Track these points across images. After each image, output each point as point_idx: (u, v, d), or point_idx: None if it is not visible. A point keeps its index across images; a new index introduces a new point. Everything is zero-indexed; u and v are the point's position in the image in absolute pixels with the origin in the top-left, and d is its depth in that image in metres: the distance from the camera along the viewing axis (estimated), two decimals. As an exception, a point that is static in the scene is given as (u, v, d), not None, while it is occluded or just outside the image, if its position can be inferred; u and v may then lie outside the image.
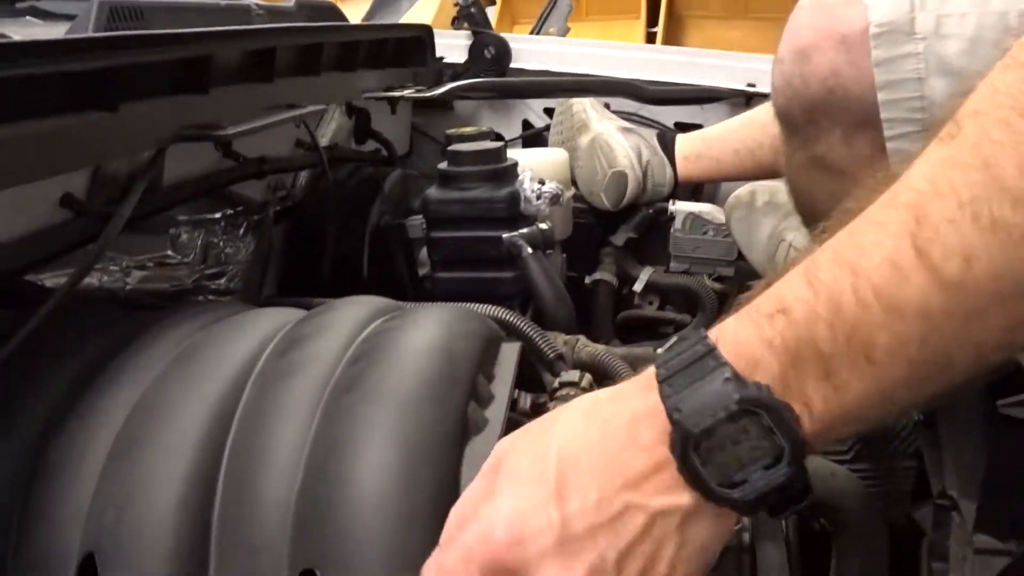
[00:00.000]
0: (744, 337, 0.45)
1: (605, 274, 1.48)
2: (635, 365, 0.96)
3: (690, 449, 0.44)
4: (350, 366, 0.65)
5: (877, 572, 0.92)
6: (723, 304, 1.47)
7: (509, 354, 0.75)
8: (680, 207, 1.44)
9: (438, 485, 0.57)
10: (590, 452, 0.47)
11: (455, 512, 0.52)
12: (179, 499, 0.58)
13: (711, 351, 0.46)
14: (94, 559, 0.57)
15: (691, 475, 0.45)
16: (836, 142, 0.81)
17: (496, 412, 0.65)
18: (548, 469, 0.48)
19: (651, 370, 0.48)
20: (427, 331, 0.67)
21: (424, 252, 1.29)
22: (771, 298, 0.46)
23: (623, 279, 1.51)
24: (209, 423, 0.62)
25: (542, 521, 0.46)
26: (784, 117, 0.87)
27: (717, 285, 1.45)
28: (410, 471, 0.56)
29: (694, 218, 1.42)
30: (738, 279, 1.47)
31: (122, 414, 0.64)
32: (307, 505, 0.57)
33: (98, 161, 0.77)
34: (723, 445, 0.44)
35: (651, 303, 1.51)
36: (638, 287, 1.49)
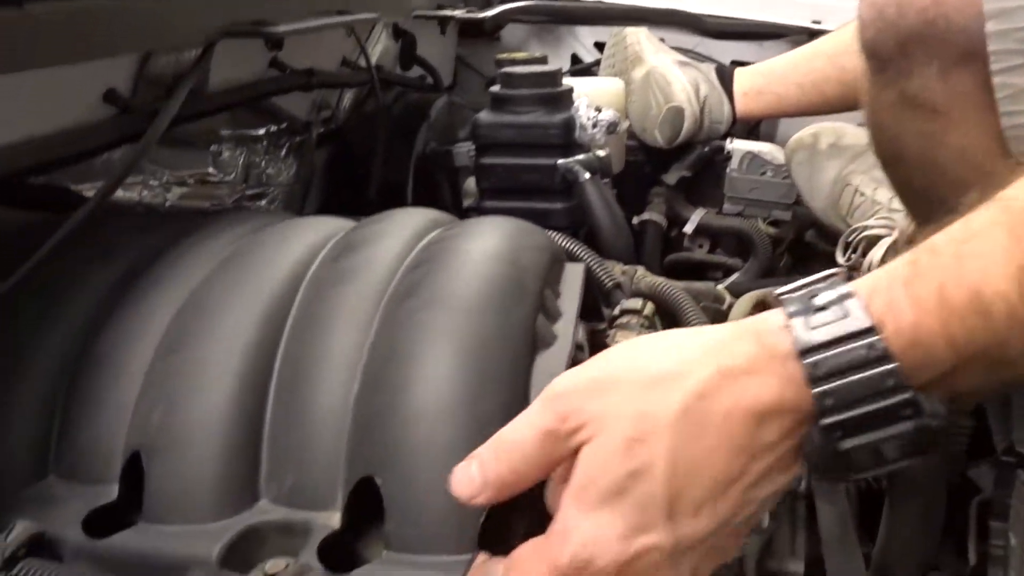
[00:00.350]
0: (925, 331, 0.42)
1: (654, 215, 1.42)
2: (697, 300, 0.91)
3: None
4: (410, 272, 0.61)
5: (932, 528, 0.88)
6: (776, 249, 1.41)
7: (574, 275, 0.70)
8: (738, 145, 1.37)
9: (505, 397, 0.53)
10: (702, 467, 0.43)
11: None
12: (230, 400, 0.54)
13: (871, 340, 0.42)
14: (140, 458, 0.54)
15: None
16: (932, 78, 0.74)
17: (565, 329, 0.61)
18: (656, 487, 0.43)
19: (770, 328, 0.44)
20: (492, 240, 0.63)
21: (468, 183, 1.24)
22: (966, 289, 0.42)
23: (672, 220, 1.45)
24: (260, 326, 0.58)
25: (652, 538, 0.43)
26: (872, 51, 0.81)
27: (772, 230, 1.39)
28: (476, 381, 0.53)
29: (752, 157, 1.36)
30: (794, 224, 1.42)
31: (168, 312, 0.60)
32: (365, 413, 0.53)
33: (145, 49, 0.73)
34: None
35: (701, 246, 1.46)
36: (688, 229, 1.43)
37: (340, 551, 0.51)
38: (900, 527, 0.90)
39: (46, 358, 0.59)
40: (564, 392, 0.46)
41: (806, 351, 0.42)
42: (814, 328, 0.42)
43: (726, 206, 1.41)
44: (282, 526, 0.52)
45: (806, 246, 1.51)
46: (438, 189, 1.29)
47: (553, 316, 0.62)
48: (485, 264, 0.59)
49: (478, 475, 0.46)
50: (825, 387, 0.41)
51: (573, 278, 0.70)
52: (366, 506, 0.52)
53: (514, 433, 0.46)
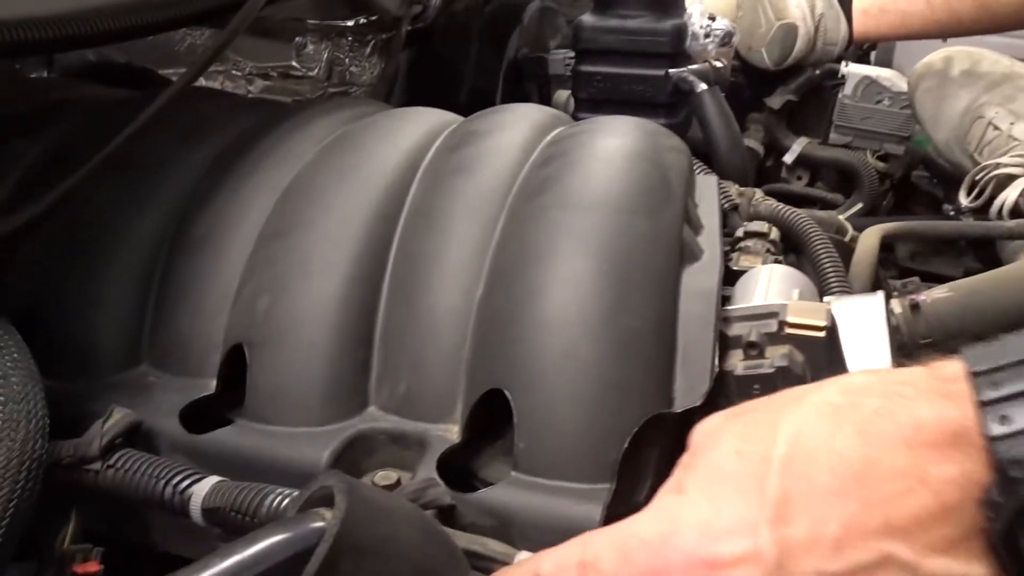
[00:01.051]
0: None
1: (751, 141, 1.33)
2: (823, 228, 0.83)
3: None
4: (540, 168, 0.54)
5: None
6: (884, 187, 1.31)
7: (708, 186, 0.63)
8: (854, 69, 1.26)
9: (654, 311, 0.47)
10: (836, 467, 0.32)
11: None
12: (341, 292, 0.49)
13: None
14: (242, 350, 0.49)
15: (1008, 549, 0.30)
16: None
17: (711, 243, 0.54)
18: (767, 475, 0.33)
19: (949, 363, 0.32)
20: (630, 137, 0.56)
21: (559, 94, 1.16)
22: None
23: (770, 148, 1.36)
24: (374, 214, 0.52)
25: (746, 544, 0.32)
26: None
27: (881, 165, 1.29)
28: (622, 289, 0.46)
29: (869, 83, 1.25)
30: (905, 160, 1.31)
31: (270, 195, 0.54)
32: (492, 318, 0.47)
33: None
34: None
35: (799, 178, 1.36)
36: (788, 159, 1.33)
37: (459, 468, 0.46)
38: None
39: (139, 239, 0.54)
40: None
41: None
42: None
43: (833, 136, 1.31)
44: (395, 435, 0.47)
45: (911, 186, 1.41)
46: (527, 99, 1.21)
47: (696, 227, 0.55)
48: (626, 162, 0.52)
49: None
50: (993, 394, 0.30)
51: (708, 190, 0.63)
52: (489, 421, 0.47)
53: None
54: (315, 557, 0.30)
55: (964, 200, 1.09)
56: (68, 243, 0.55)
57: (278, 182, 0.55)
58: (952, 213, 1.19)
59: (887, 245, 1.23)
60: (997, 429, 0.30)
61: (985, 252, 1.18)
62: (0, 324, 0.44)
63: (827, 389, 0.34)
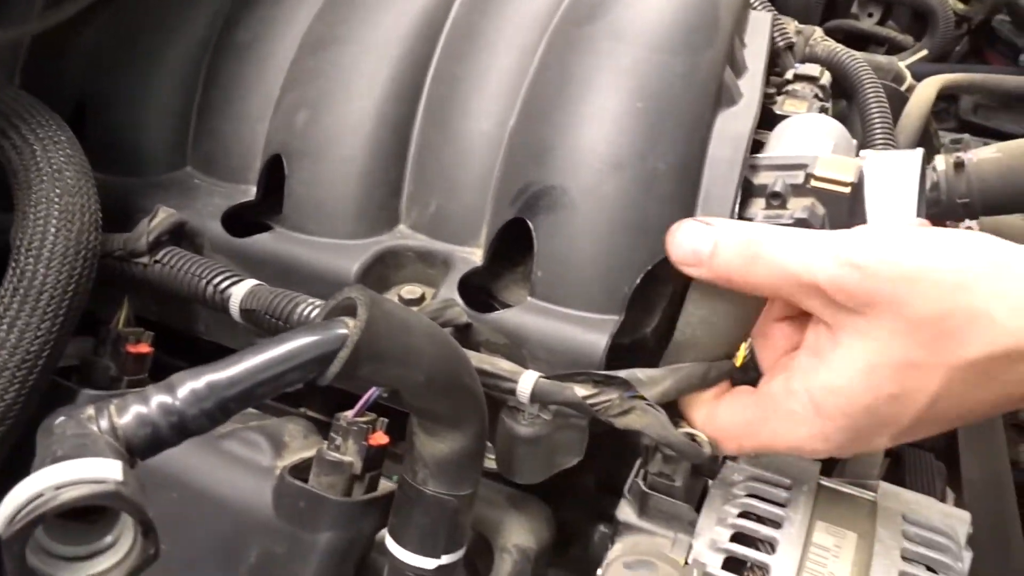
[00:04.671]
0: None
1: (824, -29, 1.25)
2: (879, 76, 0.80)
3: None
4: (586, -6, 0.52)
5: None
6: (960, 31, 1.24)
7: (761, 25, 0.61)
8: None
9: (681, 153, 0.47)
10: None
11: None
12: (379, 109, 0.50)
13: None
14: (281, 160, 0.51)
15: None
16: None
17: (751, 87, 0.53)
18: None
19: None
20: (683, -33, 0.53)
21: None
22: None
23: (843, -22, 1.28)
24: (414, 34, 0.52)
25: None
26: None
27: (961, 6, 1.21)
28: (654, 130, 0.46)
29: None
30: (988, 3, 1.23)
31: (313, 4, 0.54)
32: (523, 146, 0.48)
33: None
34: None
35: (870, 15, 1.29)
36: (861, -8, 1.26)
37: (479, 289, 0.49)
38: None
39: (187, 39, 0.54)
40: (874, 252, 0.36)
41: None
42: None
43: (913, -31, 1.22)
44: (422, 253, 0.50)
45: (991, 31, 1.33)
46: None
47: (739, 69, 0.54)
48: (675, -3, 0.50)
49: (707, 245, 0.39)
50: None
51: (760, 29, 0.60)
52: (511, 248, 0.49)
53: (782, 250, 0.38)
54: (337, 360, 0.33)
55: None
56: (118, 39, 0.56)
57: (317, -5, 0.55)
58: (1028, 65, 1.13)
59: (950, 96, 1.18)
60: None
61: (1055, 109, 1.12)
62: (54, 120, 0.46)
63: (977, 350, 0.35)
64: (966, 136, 0.97)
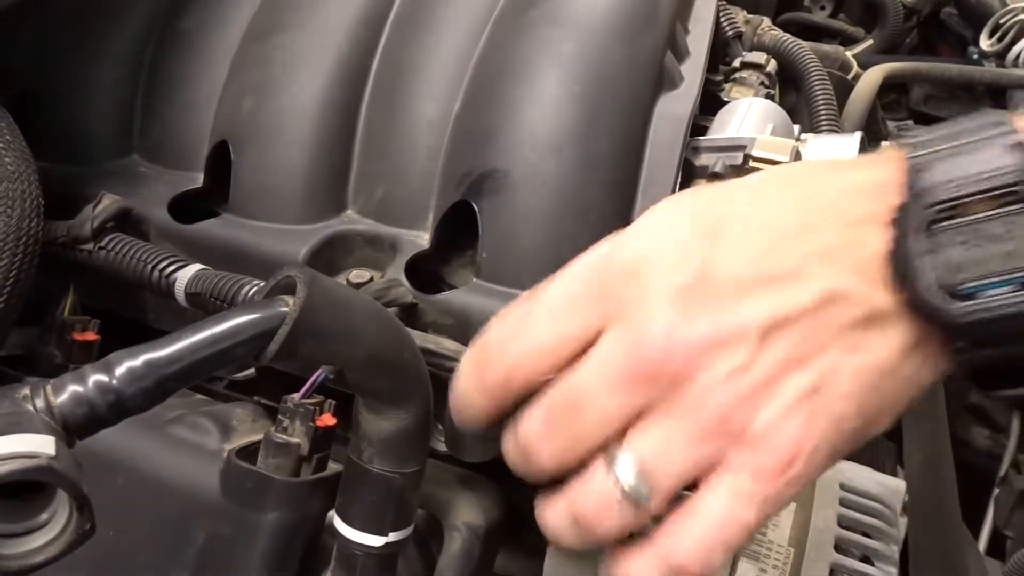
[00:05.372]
0: None
1: (776, -36, 1.27)
2: (826, 64, 0.82)
3: (917, 230, 0.31)
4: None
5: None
6: (909, 24, 1.26)
7: (705, 11, 0.62)
8: None
9: (621, 136, 0.48)
10: (771, 221, 0.34)
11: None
12: (324, 96, 0.50)
13: (999, 121, 0.32)
14: (227, 147, 0.51)
15: (902, 266, 0.31)
16: None
17: (693, 71, 0.54)
18: (705, 216, 0.34)
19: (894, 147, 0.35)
20: (626, -45, 0.54)
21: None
22: None
23: (796, -27, 1.30)
24: (359, 20, 0.52)
25: (676, 256, 0.33)
26: None
27: (909, -1, 1.24)
28: (593, 114, 0.47)
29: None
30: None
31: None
32: (466, 132, 0.49)
33: None
34: (965, 235, 0.31)
35: (822, 8, 1.31)
36: (814, -15, 1.28)
37: (427, 272, 0.50)
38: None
39: (131, 26, 0.54)
40: None
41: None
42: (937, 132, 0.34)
43: (863, -37, 1.24)
44: (369, 237, 0.50)
45: (939, 24, 1.36)
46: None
47: (681, 54, 0.55)
48: (617, -19, 0.51)
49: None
50: (919, 148, 0.33)
51: (704, 15, 0.61)
52: (457, 230, 0.50)
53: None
54: (277, 337, 0.33)
55: (985, 43, 1.06)
56: (62, 27, 0.56)
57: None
58: (976, 56, 1.16)
59: (901, 86, 1.21)
60: (913, 167, 0.32)
61: (1002, 101, 1.15)
62: (-8, 106, 0.46)
63: (779, 171, 0.37)
64: (909, 122, 0.99)
